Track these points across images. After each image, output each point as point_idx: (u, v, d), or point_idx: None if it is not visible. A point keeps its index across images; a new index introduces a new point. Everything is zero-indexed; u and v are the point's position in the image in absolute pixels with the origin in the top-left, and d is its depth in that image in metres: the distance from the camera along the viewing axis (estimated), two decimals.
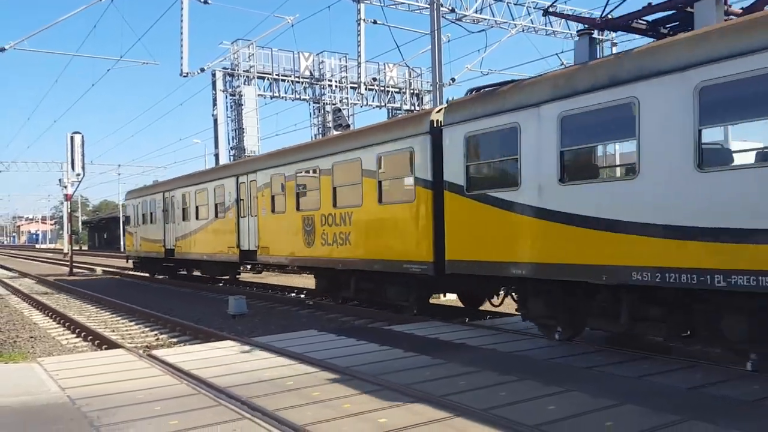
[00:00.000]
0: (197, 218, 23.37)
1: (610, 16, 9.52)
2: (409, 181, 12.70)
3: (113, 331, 14.64)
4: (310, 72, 41.88)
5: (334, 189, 15.03)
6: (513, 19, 30.41)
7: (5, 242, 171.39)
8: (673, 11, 8.79)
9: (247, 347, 9.79)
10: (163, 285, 26.30)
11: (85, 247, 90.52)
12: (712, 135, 7.82)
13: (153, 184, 30.89)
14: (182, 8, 29.39)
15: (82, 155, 32.96)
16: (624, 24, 9.27)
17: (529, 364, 8.07)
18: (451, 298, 16.36)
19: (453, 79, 24.78)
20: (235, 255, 20.39)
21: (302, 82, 41.96)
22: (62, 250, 67.49)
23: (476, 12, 28.39)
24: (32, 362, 9.30)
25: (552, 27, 32.81)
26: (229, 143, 40.00)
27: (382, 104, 43.99)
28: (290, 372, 7.92)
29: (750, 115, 7.24)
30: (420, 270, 12.38)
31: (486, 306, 13.91)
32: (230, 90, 40.10)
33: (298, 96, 42.13)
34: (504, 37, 28.80)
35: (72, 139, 32.50)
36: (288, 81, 41.50)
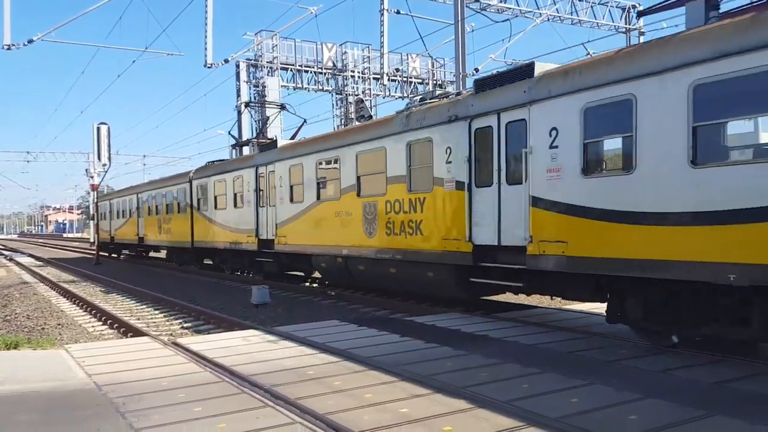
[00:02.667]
0: (122, 217, 37.52)
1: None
2: (186, 203, 26.44)
3: (138, 319, 14.84)
4: (333, 63, 41.83)
5: (167, 205, 29.21)
6: (538, 8, 30.07)
7: (33, 231, 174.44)
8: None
9: (269, 336, 9.86)
10: (187, 274, 26.59)
11: None
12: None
13: (107, 193, 44.73)
14: None
15: (109, 145, 33.35)
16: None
17: (551, 357, 8.02)
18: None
19: (477, 69, 24.57)
20: (135, 239, 34.72)
21: (325, 73, 41.93)
22: (89, 239, 68.48)
23: (501, 1, 28.11)
24: (60, 349, 9.47)
25: (578, 16, 32.40)
26: (252, 134, 40.21)
27: (405, 95, 43.87)
28: (312, 361, 7.96)
29: None
30: (188, 246, 26.54)
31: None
32: (254, 81, 40.22)
33: (321, 87, 42.13)
34: (529, 26, 28.50)
35: (98, 129, 32.87)
36: (311, 72, 41.51)
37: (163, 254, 35.69)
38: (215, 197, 23.37)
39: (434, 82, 44.63)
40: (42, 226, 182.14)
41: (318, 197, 16.43)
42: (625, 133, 8.59)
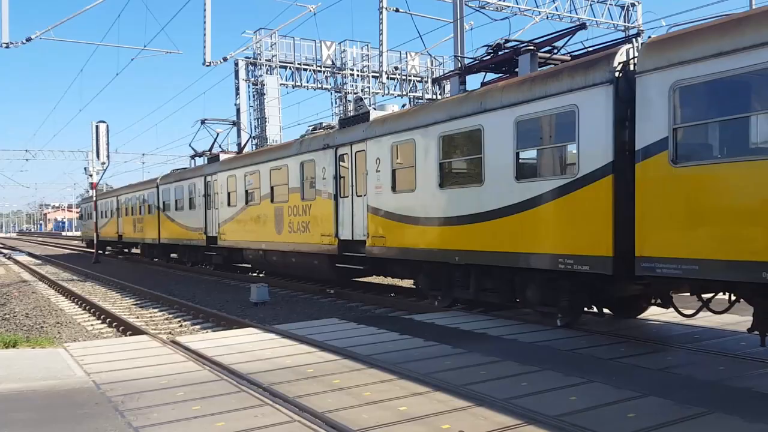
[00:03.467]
0: (105, 217, 41.14)
1: None
2: (155, 205, 30.37)
3: (137, 317, 14.84)
4: (332, 61, 41.81)
5: (140, 207, 33.41)
6: (537, 6, 30.04)
7: (32, 230, 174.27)
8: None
9: (268, 335, 9.86)
10: (186, 273, 26.58)
11: None
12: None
13: (88, 197, 49.74)
14: None
15: (107, 144, 33.35)
16: None
17: (551, 355, 8.02)
18: None
19: None
20: (116, 237, 38.79)
21: (324, 71, 41.92)
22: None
23: (500, 0, 28.08)
24: (58, 347, 9.46)
25: (577, 14, 32.38)
26: (251, 132, 40.18)
27: (404, 93, 43.87)
28: (311, 359, 7.96)
29: None
30: (156, 243, 30.81)
31: None
32: (252, 79, 40.18)
33: (319, 85, 42.11)
34: (528, 24, 28.47)
35: (97, 128, 32.87)
36: (310, 70, 41.48)
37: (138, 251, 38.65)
38: (176, 200, 27.81)
39: (433, 80, 44.60)
40: (41, 224, 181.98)
41: (246, 202, 20.68)
42: (411, 164, 12.79)
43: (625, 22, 33.91)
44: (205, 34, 25.79)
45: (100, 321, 14.62)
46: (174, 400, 6.26)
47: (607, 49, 9.58)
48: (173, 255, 30.85)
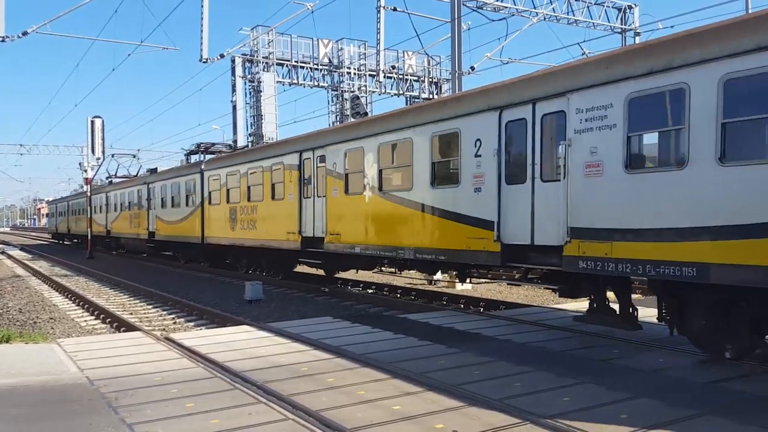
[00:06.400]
0: (61, 216, 55.74)
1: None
2: (86, 209, 42.21)
3: (131, 313, 14.81)
4: (329, 59, 41.72)
5: (78, 210, 46.80)
6: (534, 8, 30.07)
7: (26, 224, 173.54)
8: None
9: (263, 332, 9.86)
10: (182, 269, 26.56)
11: None
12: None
13: (54, 200, 63.58)
14: None
15: (102, 139, 33.35)
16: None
17: (544, 356, 8.05)
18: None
19: (472, 68, 24.62)
20: (66, 231, 52.87)
21: (321, 69, 41.82)
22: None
23: (497, 0, 28.10)
24: (52, 343, 9.45)
25: (574, 16, 32.43)
26: (247, 129, 40.06)
27: (401, 92, 43.85)
28: (305, 358, 7.97)
29: None
30: (85, 234, 40.46)
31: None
32: (249, 76, 40.04)
33: (316, 83, 42.00)
34: (525, 25, 28.50)
35: (92, 123, 32.83)
36: (307, 68, 41.38)
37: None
38: (94, 207, 40.20)
39: (430, 79, 44.60)
40: (35, 219, 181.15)
41: (120, 210, 35.63)
42: (167, 196, 27.84)
43: (621, 24, 33.98)
44: (202, 31, 25.70)
45: (93, 317, 14.59)
46: (168, 397, 6.26)
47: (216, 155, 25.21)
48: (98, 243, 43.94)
